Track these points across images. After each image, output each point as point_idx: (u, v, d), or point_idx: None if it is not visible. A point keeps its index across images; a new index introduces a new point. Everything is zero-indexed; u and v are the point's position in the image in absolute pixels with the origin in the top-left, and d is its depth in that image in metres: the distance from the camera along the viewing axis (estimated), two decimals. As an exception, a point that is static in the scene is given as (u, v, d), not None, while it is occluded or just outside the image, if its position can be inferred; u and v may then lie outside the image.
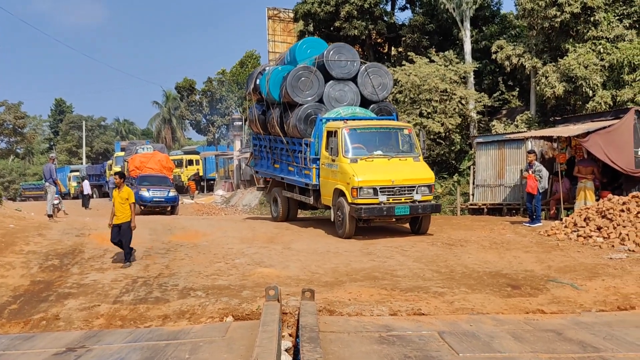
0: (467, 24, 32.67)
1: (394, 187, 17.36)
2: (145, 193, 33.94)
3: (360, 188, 17.17)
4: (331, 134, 18.58)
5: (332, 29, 38.12)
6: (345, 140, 18.12)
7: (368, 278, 12.97)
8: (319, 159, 19.27)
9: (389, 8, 41.23)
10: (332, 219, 18.54)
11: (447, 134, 30.36)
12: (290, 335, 9.44)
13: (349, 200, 17.34)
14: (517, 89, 34.46)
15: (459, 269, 13.88)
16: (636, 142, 20.48)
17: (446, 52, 32.77)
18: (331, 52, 20.88)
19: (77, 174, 67.42)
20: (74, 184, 64.53)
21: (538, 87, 27.43)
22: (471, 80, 32.45)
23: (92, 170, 65.75)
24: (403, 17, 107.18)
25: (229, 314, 10.27)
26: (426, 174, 17.94)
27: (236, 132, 56.68)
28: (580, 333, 9.33)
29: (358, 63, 21.20)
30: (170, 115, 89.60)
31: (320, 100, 20.70)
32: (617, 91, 24.55)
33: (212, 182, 61.67)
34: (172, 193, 34.93)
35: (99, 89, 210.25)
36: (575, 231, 17.25)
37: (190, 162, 61.25)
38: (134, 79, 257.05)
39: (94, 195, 55.58)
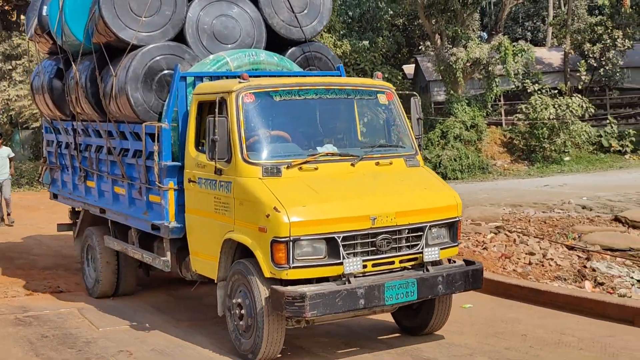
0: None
1: (377, 233, 6.73)
2: None
3: (297, 240, 6.40)
4: (210, 107, 7.35)
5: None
6: (248, 119, 7.13)
7: (2, 259, 12.36)
8: (182, 168, 7.83)
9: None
10: (219, 312, 7.36)
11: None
12: None
13: (267, 272, 6.51)
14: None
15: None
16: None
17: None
18: None
19: None
20: None
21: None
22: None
23: None
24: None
25: None
26: (441, 197, 7.33)
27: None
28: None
29: None
30: None
31: (180, 38, 8.67)
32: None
33: None
34: None
35: None
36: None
37: None
38: None
39: None
